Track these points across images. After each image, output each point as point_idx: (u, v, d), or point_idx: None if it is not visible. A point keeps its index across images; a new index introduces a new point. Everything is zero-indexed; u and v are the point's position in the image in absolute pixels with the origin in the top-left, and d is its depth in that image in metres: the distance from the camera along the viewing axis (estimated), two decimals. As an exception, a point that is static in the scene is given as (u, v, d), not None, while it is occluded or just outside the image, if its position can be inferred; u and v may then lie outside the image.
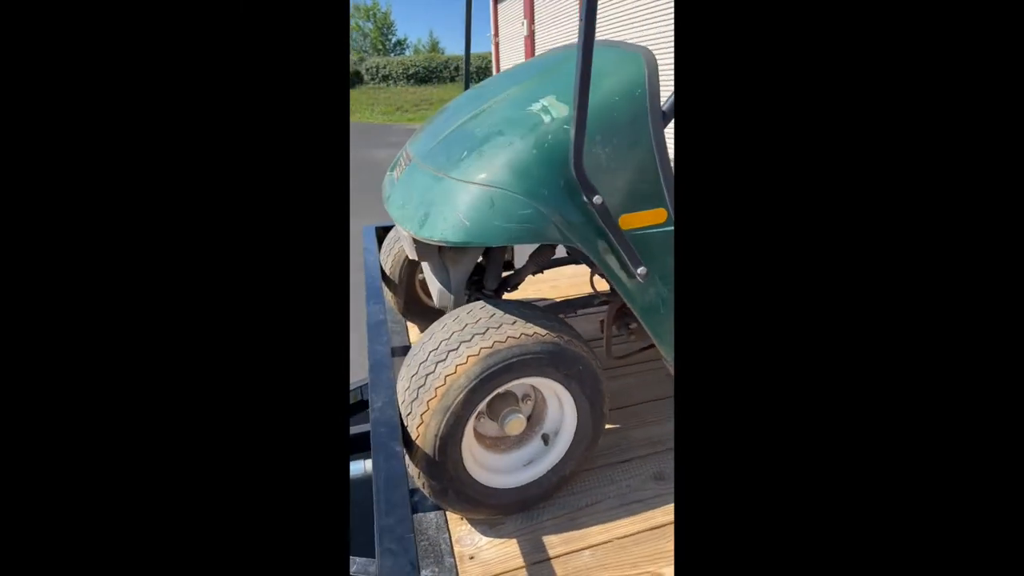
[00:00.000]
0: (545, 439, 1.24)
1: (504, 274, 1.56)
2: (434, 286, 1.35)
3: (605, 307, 1.48)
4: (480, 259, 1.52)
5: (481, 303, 1.19)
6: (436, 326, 1.16)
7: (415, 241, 1.22)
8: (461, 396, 1.06)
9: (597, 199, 0.99)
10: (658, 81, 1.03)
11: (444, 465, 1.09)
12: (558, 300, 1.40)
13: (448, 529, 1.20)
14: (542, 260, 1.49)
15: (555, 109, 1.04)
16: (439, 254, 1.30)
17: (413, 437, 1.08)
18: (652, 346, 1.37)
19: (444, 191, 1.07)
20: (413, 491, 1.27)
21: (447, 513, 1.23)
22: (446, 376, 1.06)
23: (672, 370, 1.14)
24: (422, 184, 1.15)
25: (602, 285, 1.70)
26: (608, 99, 1.03)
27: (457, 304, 1.34)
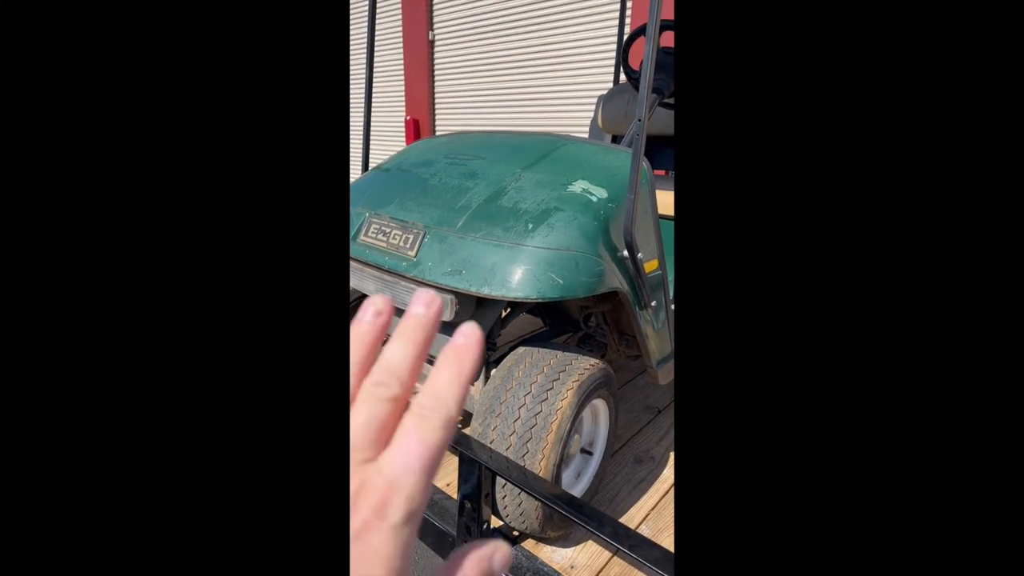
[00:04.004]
0: (585, 452, 1.51)
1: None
2: None
3: (561, 336, 1.83)
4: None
5: (524, 351, 1.40)
6: (503, 379, 1.32)
7: (456, 303, 1.34)
8: (569, 425, 1.26)
9: (640, 256, 1.36)
10: (651, 169, 1.47)
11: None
12: (529, 337, 1.68)
13: (534, 555, 1.34)
14: (517, 314, 1.74)
15: (596, 191, 1.38)
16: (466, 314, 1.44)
17: (537, 471, 1.22)
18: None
19: (524, 256, 1.27)
20: (494, 531, 1.36)
21: (521, 544, 1.36)
22: (557, 411, 1.25)
23: (658, 375, 1.58)
24: (478, 251, 1.31)
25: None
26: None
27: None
